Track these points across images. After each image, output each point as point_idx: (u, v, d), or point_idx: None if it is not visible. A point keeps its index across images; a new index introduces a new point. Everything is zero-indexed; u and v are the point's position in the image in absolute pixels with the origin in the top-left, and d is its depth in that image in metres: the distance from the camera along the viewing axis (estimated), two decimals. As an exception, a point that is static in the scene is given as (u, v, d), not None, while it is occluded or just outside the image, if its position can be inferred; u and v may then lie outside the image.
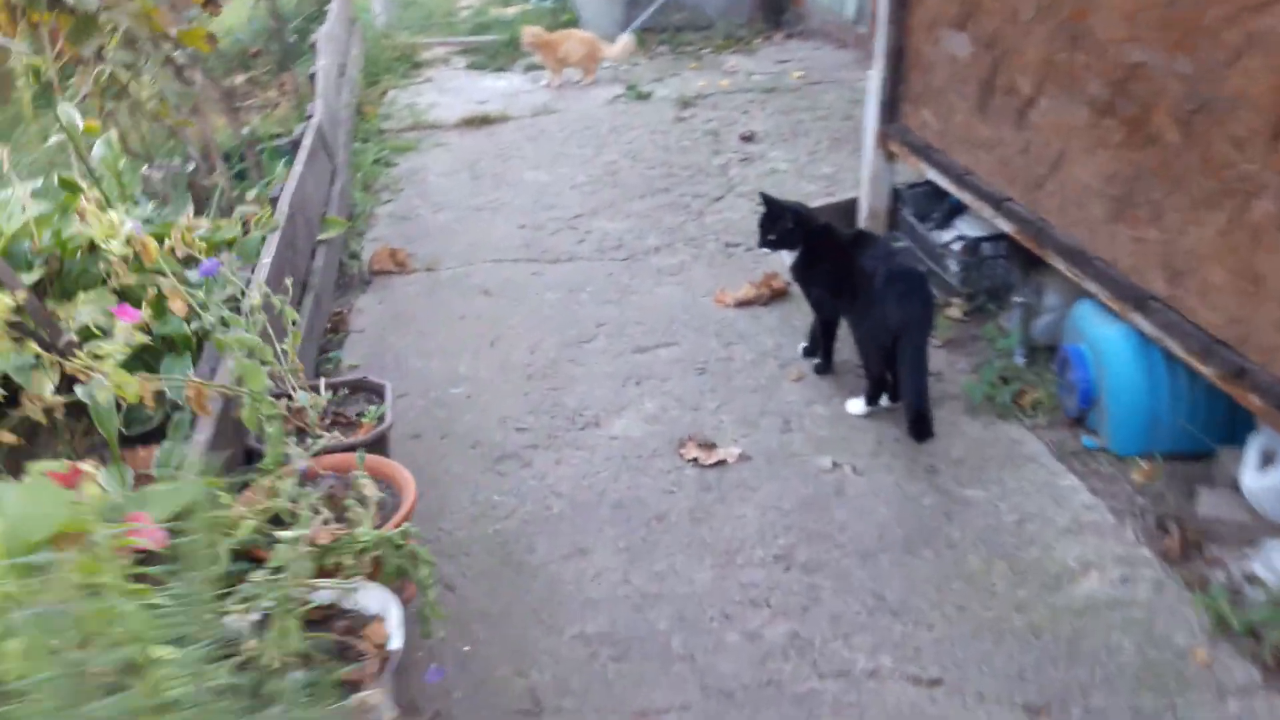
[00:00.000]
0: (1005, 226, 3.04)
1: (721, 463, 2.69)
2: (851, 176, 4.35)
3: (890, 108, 3.72)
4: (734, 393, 3.02)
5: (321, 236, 3.74)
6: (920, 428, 2.70)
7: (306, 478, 2.00)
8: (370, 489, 1.96)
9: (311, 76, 5.08)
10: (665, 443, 2.80)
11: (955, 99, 3.29)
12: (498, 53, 7.57)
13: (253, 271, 2.77)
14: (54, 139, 3.16)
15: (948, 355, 3.15)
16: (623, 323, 3.47)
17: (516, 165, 5.14)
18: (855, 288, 2.77)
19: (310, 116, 4.38)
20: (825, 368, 3.10)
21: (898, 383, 2.80)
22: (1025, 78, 2.88)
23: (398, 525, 1.92)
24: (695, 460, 2.70)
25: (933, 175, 3.47)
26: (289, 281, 2.56)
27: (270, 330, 2.23)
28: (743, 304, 3.53)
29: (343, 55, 6.26)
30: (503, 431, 2.88)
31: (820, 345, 3.10)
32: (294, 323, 2.34)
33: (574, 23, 7.84)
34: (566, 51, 6.49)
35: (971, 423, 2.81)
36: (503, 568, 2.36)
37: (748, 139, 5.29)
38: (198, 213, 3.24)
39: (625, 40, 6.74)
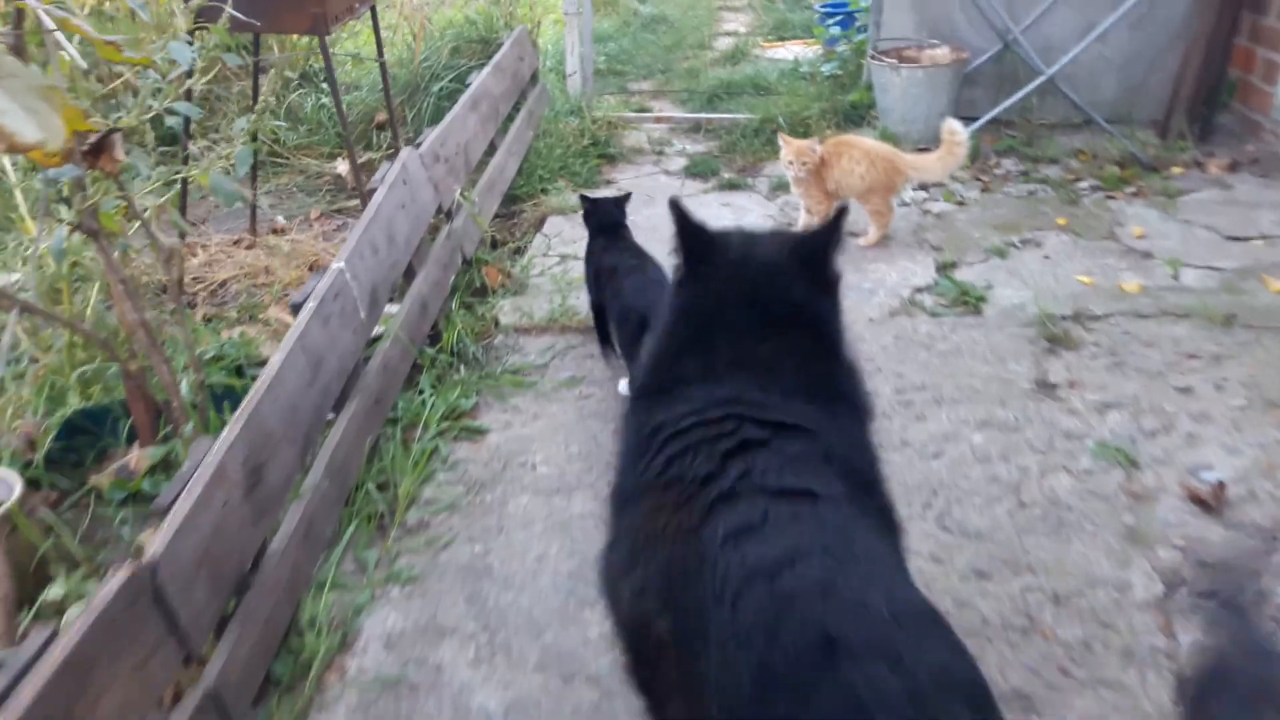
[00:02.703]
0: None
1: None
2: None
3: None
4: None
5: None
6: None
7: None
8: None
9: (364, 194, 2.75)
10: None
11: None
12: (735, 146, 4.94)
13: None
14: None
15: None
16: None
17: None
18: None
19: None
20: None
21: None
22: None
23: None
24: None
25: None
26: None
27: None
28: None
29: (478, 136, 3.90)
30: None
31: None
32: None
33: (858, 118, 5.03)
34: (841, 179, 3.75)
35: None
36: None
37: (1203, 501, 2.38)
38: None
39: (953, 141, 3.71)
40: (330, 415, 2.29)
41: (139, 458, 2.41)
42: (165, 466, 2.41)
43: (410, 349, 2.78)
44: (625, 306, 2.78)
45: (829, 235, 1.44)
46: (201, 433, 2.30)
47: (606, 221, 3.09)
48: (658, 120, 5.31)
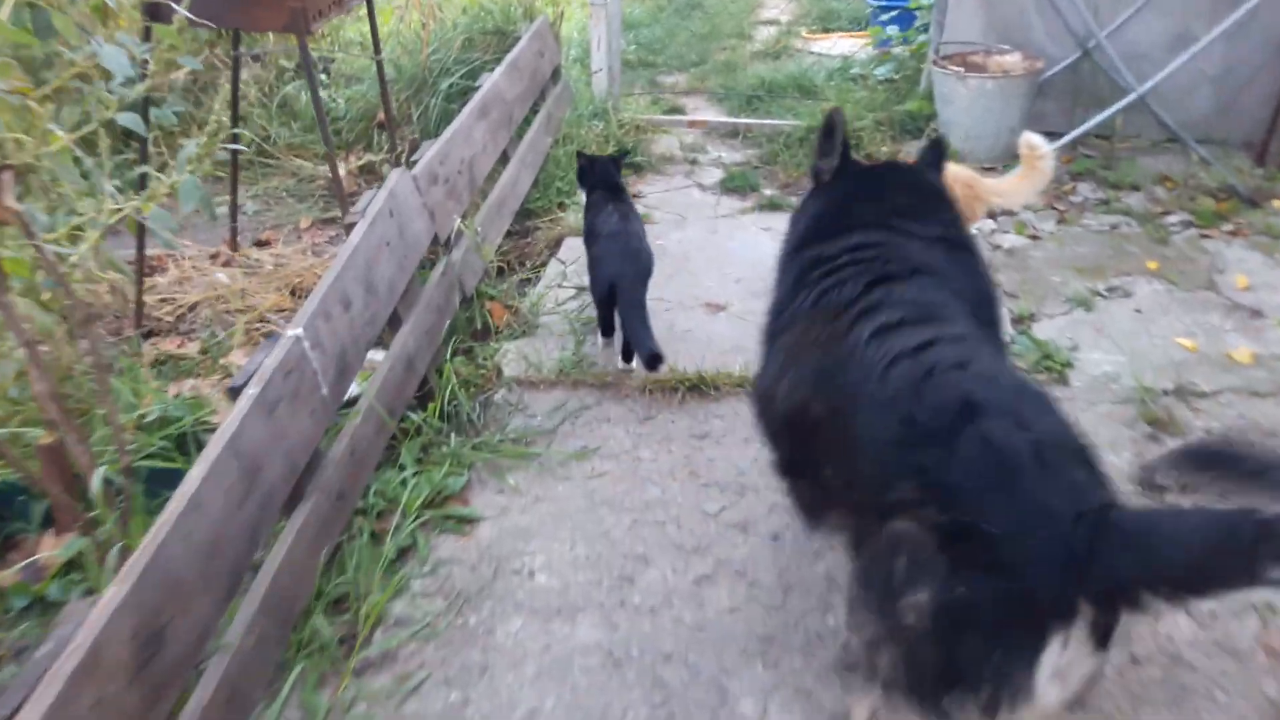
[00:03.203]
0: None
1: None
2: None
3: None
4: None
5: None
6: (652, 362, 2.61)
7: None
8: None
9: (347, 227, 2.31)
10: None
11: None
12: (776, 157, 4.43)
13: None
14: None
15: None
16: None
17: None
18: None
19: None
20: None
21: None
22: None
23: None
24: None
25: None
26: None
27: None
28: None
29: (486, 149, 3.43)
30: None
31: None
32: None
33: (916, 129, 4.50)
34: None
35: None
36: None
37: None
38: None
39: (1035, 160, 3.03)
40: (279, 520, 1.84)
41: (50, 556, 1.98)
42: (83, 565, 1.97)
43: (388, 423, 2.33)
44: (594, 274, 2.88)
45: (939, 147, 1.99)
46: (121, 535, 1.87)
47: (602, 181, 3.15)
48: (691, 125, 4.80)
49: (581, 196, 3.25)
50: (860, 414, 1.34)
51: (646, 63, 6.15)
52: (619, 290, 2.75)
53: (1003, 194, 3.19)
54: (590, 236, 2.99)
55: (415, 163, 2.85)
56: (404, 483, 2.28)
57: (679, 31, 6.69)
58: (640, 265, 2.85)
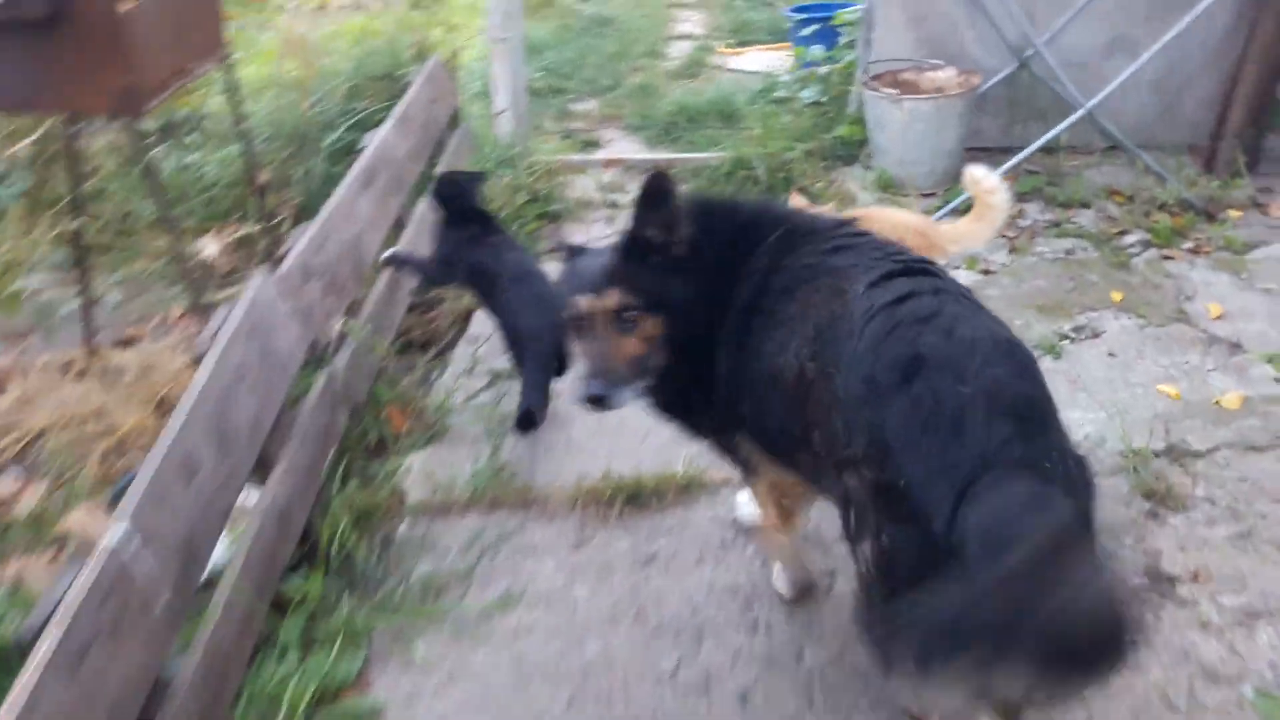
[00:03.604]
0: None
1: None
2: None
3: None
4: None
5: None
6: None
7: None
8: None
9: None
10: None
11: None
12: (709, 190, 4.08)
13: None
14: None
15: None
16: None
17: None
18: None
19: None
20: None
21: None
22: None
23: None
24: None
25: None
26: None
27: None
28: None
29: (374, 222, 2.99)
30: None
31: None
32: None
33: (849, 156, 4.17)
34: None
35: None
36: None
37: None
38: None
39: (985, 195, 2.72)
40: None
41: None
42: None
43: (258, 605, 1.89)
44: (518, 325, 2.55)
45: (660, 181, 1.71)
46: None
47: (468, 207, 2.81)
48: (608, 165, 4.42)
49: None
50: (840, 375, 1.38)
51: (557, 89, 5.74)
52: (531, 342, 2.52)
53: (960, 240, 2.87)
54: (483, 278, 2.67)
55: (284, 258, 2.42)
56: (284, 680, 1.85)
57: (590, 53, 6.30)
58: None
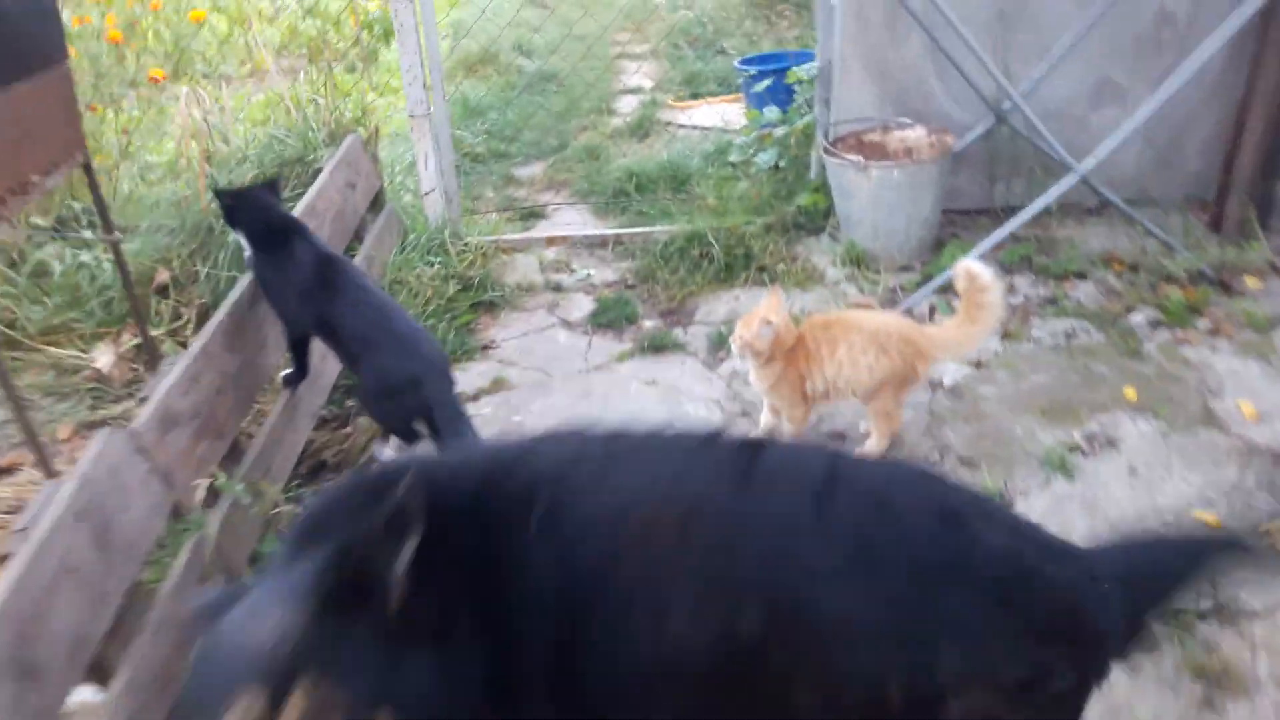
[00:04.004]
0: None
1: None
2: None
3: None
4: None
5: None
6: None
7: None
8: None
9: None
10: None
11: None
12: (654, 274, 3.62)
13: None
14: None
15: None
16: None
17: None
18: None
19: None
20: None
21: None
22: None
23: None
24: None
25: None
26: None
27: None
28: None
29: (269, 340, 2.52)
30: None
31: None
32: None
33: (814, 228, 3.74)
34: (838, 375, 2.44)
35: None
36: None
37: None
38: None
39: (977, 293, 2.34)
40: None
41: None
42: None
43: None
44: (386, 369, 2.29)
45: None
46: None
47: (276, 226, 2.45)
48: (551, 242, 3.97)
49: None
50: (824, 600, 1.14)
51: (499, 153, 5.32)
52: (427, 393, 2.26)
53: (950, 347, 2.46)
54: (327, 330, 2.38)
55: (144, 405, 1.95)
56: None
57: (535, 111, 5.88)
58: (439, 354, 2.41)
